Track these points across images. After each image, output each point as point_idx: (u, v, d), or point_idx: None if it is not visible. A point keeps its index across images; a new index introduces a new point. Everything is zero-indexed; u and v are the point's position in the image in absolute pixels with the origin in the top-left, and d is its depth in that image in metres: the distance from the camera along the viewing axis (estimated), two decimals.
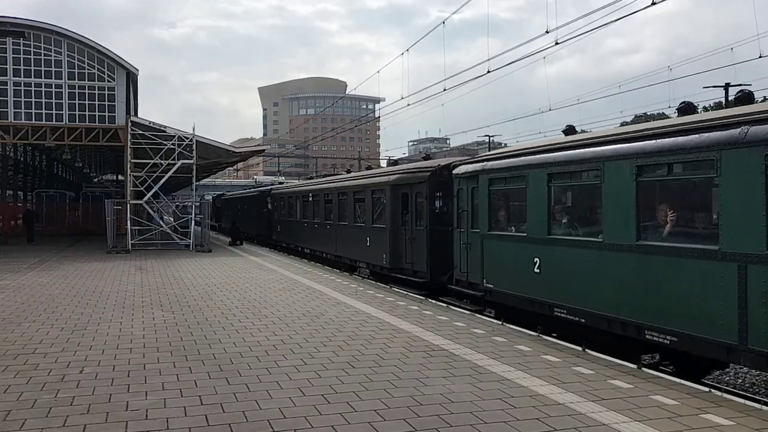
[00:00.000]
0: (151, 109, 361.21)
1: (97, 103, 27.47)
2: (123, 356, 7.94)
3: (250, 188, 58.32)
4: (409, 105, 24.37)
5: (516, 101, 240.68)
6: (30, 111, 26.82)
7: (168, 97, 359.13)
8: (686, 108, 9.36)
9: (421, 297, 13.56)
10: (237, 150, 36.03)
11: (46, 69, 26.88)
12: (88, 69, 27.35)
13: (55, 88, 27.04)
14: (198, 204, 29.93)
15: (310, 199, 25.92)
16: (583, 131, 13.56)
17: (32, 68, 26.68)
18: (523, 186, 11.03)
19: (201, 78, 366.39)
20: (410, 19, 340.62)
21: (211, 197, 55.13)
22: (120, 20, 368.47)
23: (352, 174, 24.16)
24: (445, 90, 20.05)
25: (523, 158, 11.21)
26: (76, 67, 27.23)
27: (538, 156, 10.76)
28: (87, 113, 27.40)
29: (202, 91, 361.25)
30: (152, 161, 27.22)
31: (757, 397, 8.29)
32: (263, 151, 53.02)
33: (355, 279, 17.24)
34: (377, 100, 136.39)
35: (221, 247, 29.03)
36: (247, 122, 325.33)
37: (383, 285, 15.88)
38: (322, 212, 24.06)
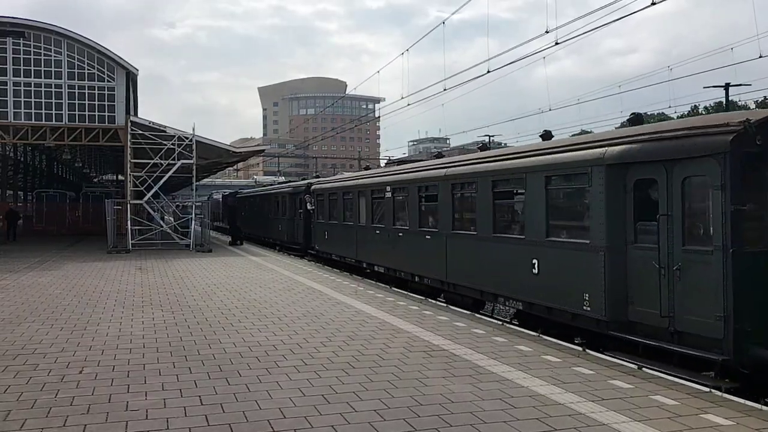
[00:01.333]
0: (151, 109, 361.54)
1: (96, 103, 27.52)
2: (123, 356, 7.95)
3: (260, 185, 56.77)
4: (409, 105, 24.35)
5: (515, 102, 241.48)
6: (30, 111, 26.86)
7: (168, 97, 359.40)
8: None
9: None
10: (237, 150, 36.10)
11: (46, 69, 26.92)
12: (87, 69, 27.38)
13: (55, 88, 27.07)
14: (199, 204, 29.91)
15: (387, 195, 17.83)
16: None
17: (32, 68, 26.73)
18: None
19: (201, 78, 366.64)
20: (410, 19, 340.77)
21: (221, 195, 54.18)
22: (119, 20, 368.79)
23: (476, 155, 14.70)
24: (445, 90, 20.02)
25: None
26: (76, 67, 27.27)
27: None
28: (87, 113, 27.46)
29: (201, 91, 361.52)
30: (152, 161, 27.24)
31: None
32: (263, 151, 53.08)
33: (355, 279, 16.96)
34: (377, 100, 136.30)
35: (222, 247, 29.03)
36: (247, 122, 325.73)
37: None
38: (414, 214, 16.16)
